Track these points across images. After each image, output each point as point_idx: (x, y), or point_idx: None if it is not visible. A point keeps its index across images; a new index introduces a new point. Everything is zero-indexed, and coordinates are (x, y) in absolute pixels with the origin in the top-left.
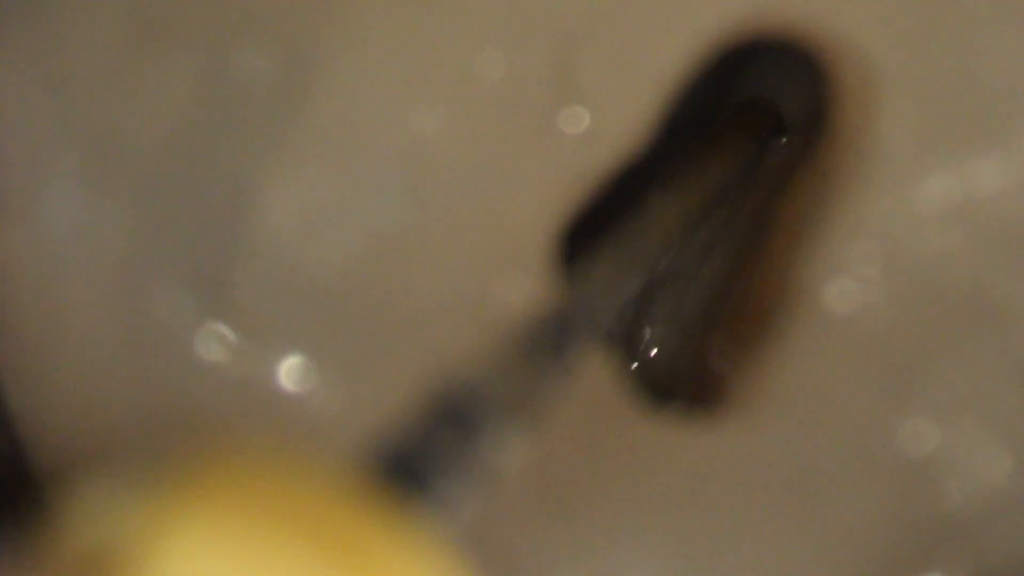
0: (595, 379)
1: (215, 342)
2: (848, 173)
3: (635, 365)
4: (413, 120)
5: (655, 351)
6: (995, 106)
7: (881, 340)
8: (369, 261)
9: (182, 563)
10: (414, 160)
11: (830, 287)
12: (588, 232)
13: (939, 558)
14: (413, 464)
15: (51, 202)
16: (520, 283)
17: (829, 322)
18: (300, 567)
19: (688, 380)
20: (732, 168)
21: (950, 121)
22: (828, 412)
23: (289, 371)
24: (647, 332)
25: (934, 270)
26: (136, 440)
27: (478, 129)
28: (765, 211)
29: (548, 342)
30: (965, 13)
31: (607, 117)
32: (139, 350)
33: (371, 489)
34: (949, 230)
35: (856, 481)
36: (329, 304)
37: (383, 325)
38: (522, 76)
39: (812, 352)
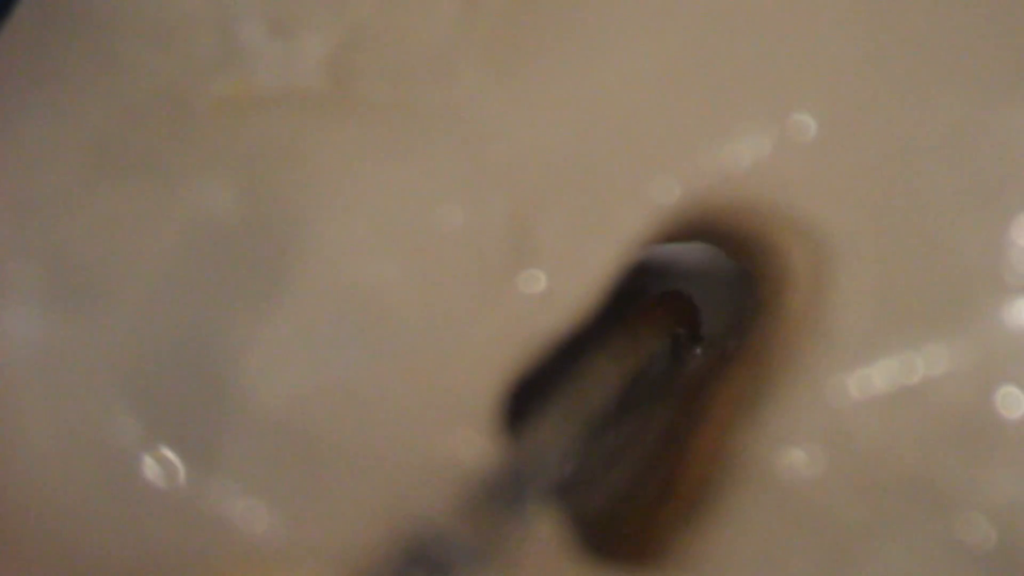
0: (540, 533)
1: (163, 470)
2: (794, 354)
3: (578, 522)
4: (370, 267)
5: (598, 510)
6: (951, 290)
7: (824, 514)
8: (322, 404)
9: None
10: (369, 307)
11: (775, 458)
12: (534, 390)
13: None
14: None
15: (9, 319)
16: (468, 438)
17: (772, 491)
18: None
19: (629, 540)
20: (654, 351)
21: (906, 303)
22: None
23: (241, 509)
24: (590, 491)
25: (880, 450)
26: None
27: (434, 283)
28: (705, 383)
29: (504, 493)
30: (929, 195)
31: (563, 281)
32: (90, 472)
33: None
34: (897, 412)
35: None
36: (279, 442)
37: (333, 468)
38: (480, 233)
39: (753, 519)
